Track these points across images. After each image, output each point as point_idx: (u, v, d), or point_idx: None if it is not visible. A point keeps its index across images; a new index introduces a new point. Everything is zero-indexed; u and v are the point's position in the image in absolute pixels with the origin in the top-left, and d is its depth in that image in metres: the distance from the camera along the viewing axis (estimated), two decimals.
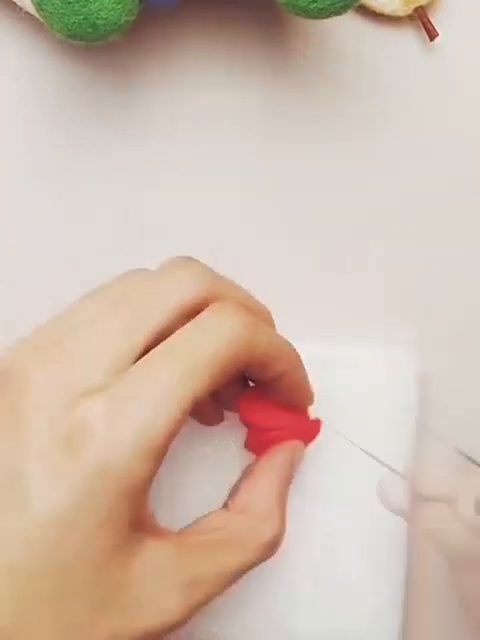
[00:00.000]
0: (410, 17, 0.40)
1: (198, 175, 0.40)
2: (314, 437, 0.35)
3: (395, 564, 0.38)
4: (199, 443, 0.37)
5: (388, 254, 0.40)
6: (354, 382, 0.38)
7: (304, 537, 0.38)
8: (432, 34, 0.40)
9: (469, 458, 0.34)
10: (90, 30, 0.33)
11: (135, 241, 0.40)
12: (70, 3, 0.32)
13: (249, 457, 0.34)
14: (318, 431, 0.35)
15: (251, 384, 0.34)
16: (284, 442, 0.33)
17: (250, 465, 0.34)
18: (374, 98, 0.40)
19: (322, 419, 0.35)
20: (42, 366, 0.28)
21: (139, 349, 0.28)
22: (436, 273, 0.40)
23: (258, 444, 0.34)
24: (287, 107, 0.40)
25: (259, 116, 0.40)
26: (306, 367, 0.33)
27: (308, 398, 0.34)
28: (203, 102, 0.40)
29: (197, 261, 0.31)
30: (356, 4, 0.34)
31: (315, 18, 0.34)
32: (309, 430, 0.35)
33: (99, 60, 0.40)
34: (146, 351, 0.28)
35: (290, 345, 0.32)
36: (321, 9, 0.33)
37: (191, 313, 0.29)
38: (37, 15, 0.34)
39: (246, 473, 0.33)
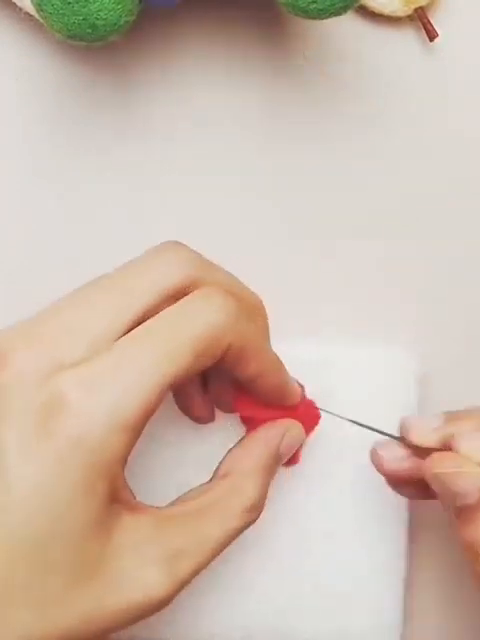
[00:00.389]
0: (410, 17, 0.40)
1: (198, 175, 0.40)
2: (313, 426, 0.35)
3: (395, 564, 0.38)
4: (199, 443, 0.37)
5: (388, 254, 0.40)
6: (354, 382, 0.38)
7: (304, 537, 0.38)
8: (432, 34, 0.40)
9: None
10: (90, 30, 0.33)
11: (135, 241, 0.40)
12: (70, 3, 0.32)
13: None
14: (317, 420, 0.35)
15: None
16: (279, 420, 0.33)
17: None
18: (374, 98, 0.40)
19: (316, 402, 0.35)
20: (28, 344, 0.28)
21: (123, 329, 0.29)
22: (436, 273, 0.40)
23: None
24: (287, 107, 0.40)
25: (259, 116, 0.40)
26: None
27: (288, 401, 0.34)
28: (203, 102, 0.40)
29: (185, 245, 0.31)
30: (356, 5, 0.34)
31: (315, 19, 0.34)
32: (307, 420, 0.34)
33: (99, 60, 0.40)
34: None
35: (269, 347, 0.32)
36: (321, 10, 0.33)
37: (177, 296, 0.30)
38: (37, 15, 0.34)
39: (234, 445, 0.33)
